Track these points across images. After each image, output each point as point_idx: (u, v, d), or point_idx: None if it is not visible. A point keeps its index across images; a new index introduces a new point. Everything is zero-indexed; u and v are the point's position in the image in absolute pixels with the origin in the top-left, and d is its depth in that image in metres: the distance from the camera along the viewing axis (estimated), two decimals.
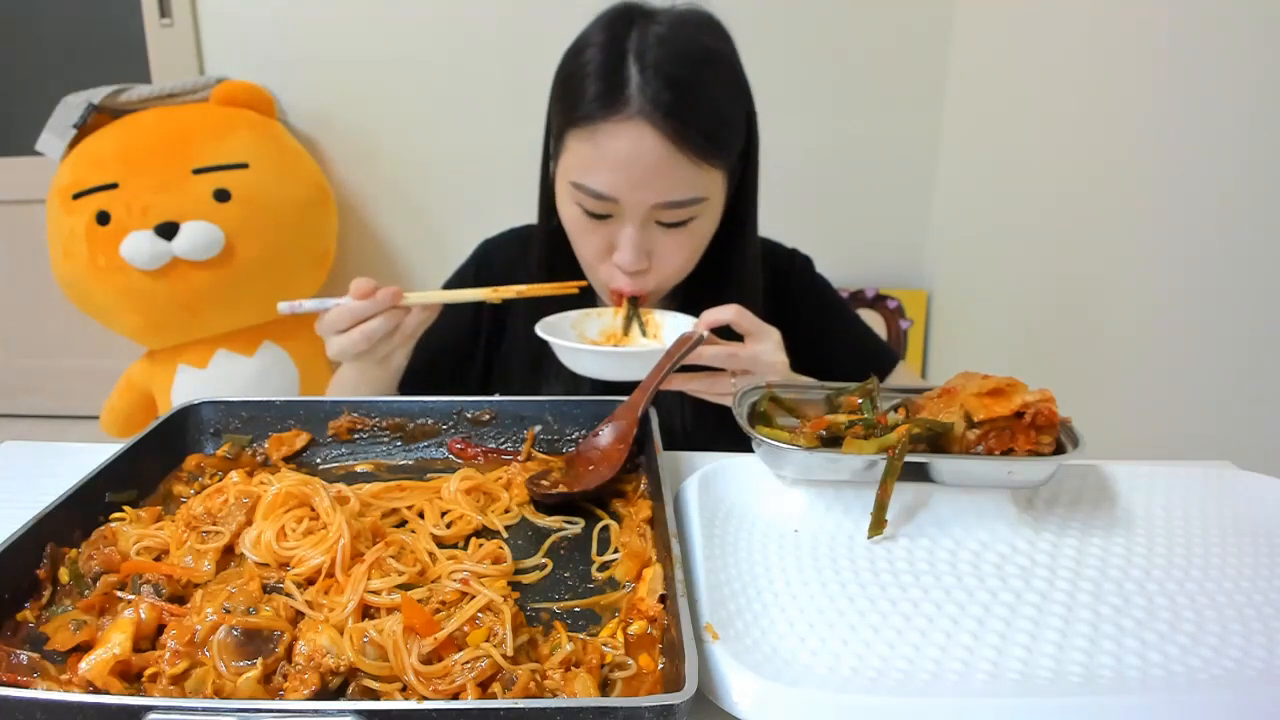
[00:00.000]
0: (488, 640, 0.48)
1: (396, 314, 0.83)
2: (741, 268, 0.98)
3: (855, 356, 1.05)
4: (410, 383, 0.97)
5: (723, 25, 0.90)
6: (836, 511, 0.65)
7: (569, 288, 0.90)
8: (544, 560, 0.60)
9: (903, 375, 1.08)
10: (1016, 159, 1.72)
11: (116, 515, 0.61)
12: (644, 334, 0.93)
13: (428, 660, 0.47)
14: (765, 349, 0.81)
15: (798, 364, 0.85)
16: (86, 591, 0.54)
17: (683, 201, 0.84)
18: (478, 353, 1.07)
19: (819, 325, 1.05)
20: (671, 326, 0.90)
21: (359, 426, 0.75)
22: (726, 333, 0.83)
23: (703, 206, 0.87)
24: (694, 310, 1.01)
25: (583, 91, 0.85)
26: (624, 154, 0.82)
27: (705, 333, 0.81)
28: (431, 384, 0.98)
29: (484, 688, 0.46)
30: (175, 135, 1.93)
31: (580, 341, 0.91)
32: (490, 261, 1.08)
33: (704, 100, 0.84)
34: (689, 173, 0.84)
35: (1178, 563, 0.60)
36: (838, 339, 1.06)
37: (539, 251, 1.01)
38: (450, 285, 1.08)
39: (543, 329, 0.85)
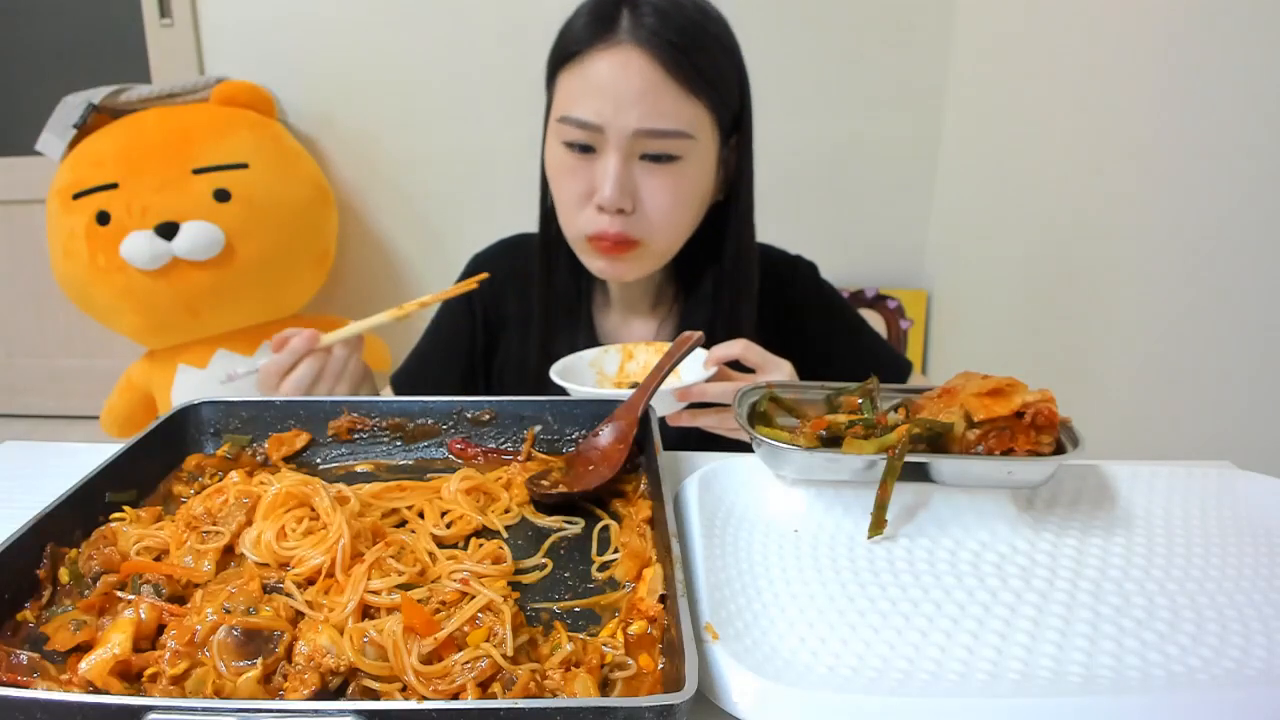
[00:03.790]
0: (488, 640, 0.48)
1: (320, 357, 0.86)
2: (737, 242, 0.96)
3: (867, 365, 1.04)
4: None
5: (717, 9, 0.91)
6: (836, 511, 0.65)
7: (470, 284, 0.92)
8: (544, 560, 0.60)
9: (912, 379, 1.07)
10: (1016, 159, 1.72)
11: (116, 515, 0.61)
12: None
13: (428, 660, 0.47)
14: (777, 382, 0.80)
15: (807, 374, 0.84)
16: (86, 591, 0.54)
17: (667, 130, 0.84)
18: (476, 374, 1.07)
19: (827, 334, 1.03)
20: (687, 359, 0.88)
21: (359, 426, 0.75)
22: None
23: (689, 145, 0.86)
24: (688, 294, 1.01)
25: (574, 30, 0.87)
26: (610, 78, 0.83)
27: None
28: None
29: (484, 688, 0.46)
30: (175, 135, 1.93)
31: (600, 379, 0.91)
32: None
33: (694, 36, 0.85)
34: (675, 101, 0.84)
35: (1178, 563, 0.60)
36: (847, 348, 1.04)
37: (540, 261, 1.01)
38: (448, 303, 1.08)
39: (558, 374, 0.85)
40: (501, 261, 1.06)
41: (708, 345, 0.83)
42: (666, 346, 0.91)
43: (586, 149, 0.86)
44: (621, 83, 0.83)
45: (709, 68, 0.86)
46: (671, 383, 0.84)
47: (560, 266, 1.00)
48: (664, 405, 0.80)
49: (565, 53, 0.87)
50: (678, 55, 0.83)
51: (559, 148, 0.88)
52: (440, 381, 1.05)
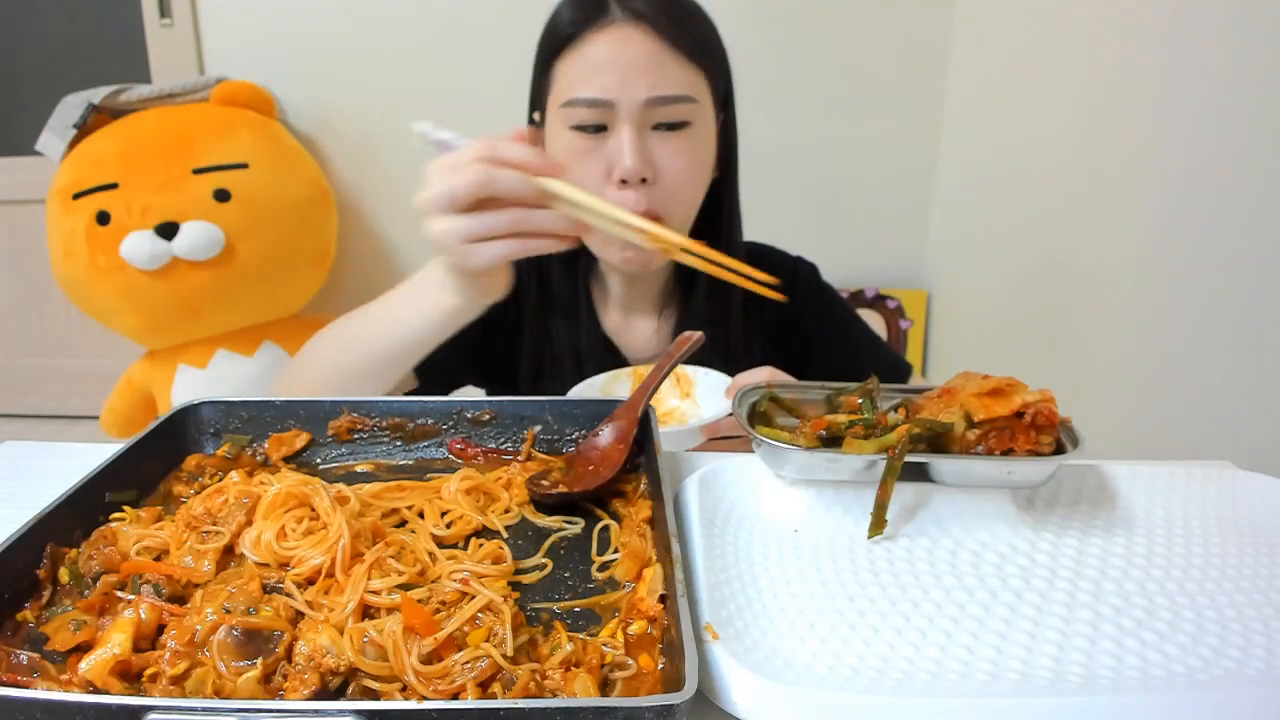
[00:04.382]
0: (488, 640, 0.48)
1: (526, 218, 0.70)
2: (729, 221, 0.98)
3: (867, 368, 1.04)
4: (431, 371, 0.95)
5: None
6: (836, 511, 0.65)
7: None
8: (544, 560, 0.60)
9: (912, 379, 1.07)
10: (1016, 159, 1.72)
11: (116, 515, 0.61)
12: (677, 391, 0.90)
13: (428, 660, 0.47)
14: None
15: (807, 376, 0.83)
16: (86, 591, 0.54)
17: (676, 96, 0.86)
18: (474, 358, 1.06)
19: (828, 336, 1.03)
20: (705, 384, 0.88)
21: (359, 426, 0.75)
22: None
23: (696, 110, 0.88)
24: (687, 291, 1.00)
25: (562, 19, 0.88)
26: (611, 55, 0.85)
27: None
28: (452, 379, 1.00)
29: (484, 688, 0.46)
30: (175, 135, 1.94)
31: None
32: None
33: (682, 9, 0.88)
34: (677, 68, 0.86)
35: (1178, 563, 0.60)
36: (848, 349, 1.04)
37: (532, 261, 1.00)
38: None
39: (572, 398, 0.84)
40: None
41: (707, 339, 0.82)
42: (677, 370, 0.91)
43: (598, 129, 0.87)
44: (624, 57, 0.84)
45: (701, 37, 0.89)
46: (694, 419, 0.84)
47: (554, 267, 1.00)
48: (689, 441, 0.80)
49: (557, 41, 0.88)
50: (673, 26, 0.85)
51: (566, 134, 0.88)
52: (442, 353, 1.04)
